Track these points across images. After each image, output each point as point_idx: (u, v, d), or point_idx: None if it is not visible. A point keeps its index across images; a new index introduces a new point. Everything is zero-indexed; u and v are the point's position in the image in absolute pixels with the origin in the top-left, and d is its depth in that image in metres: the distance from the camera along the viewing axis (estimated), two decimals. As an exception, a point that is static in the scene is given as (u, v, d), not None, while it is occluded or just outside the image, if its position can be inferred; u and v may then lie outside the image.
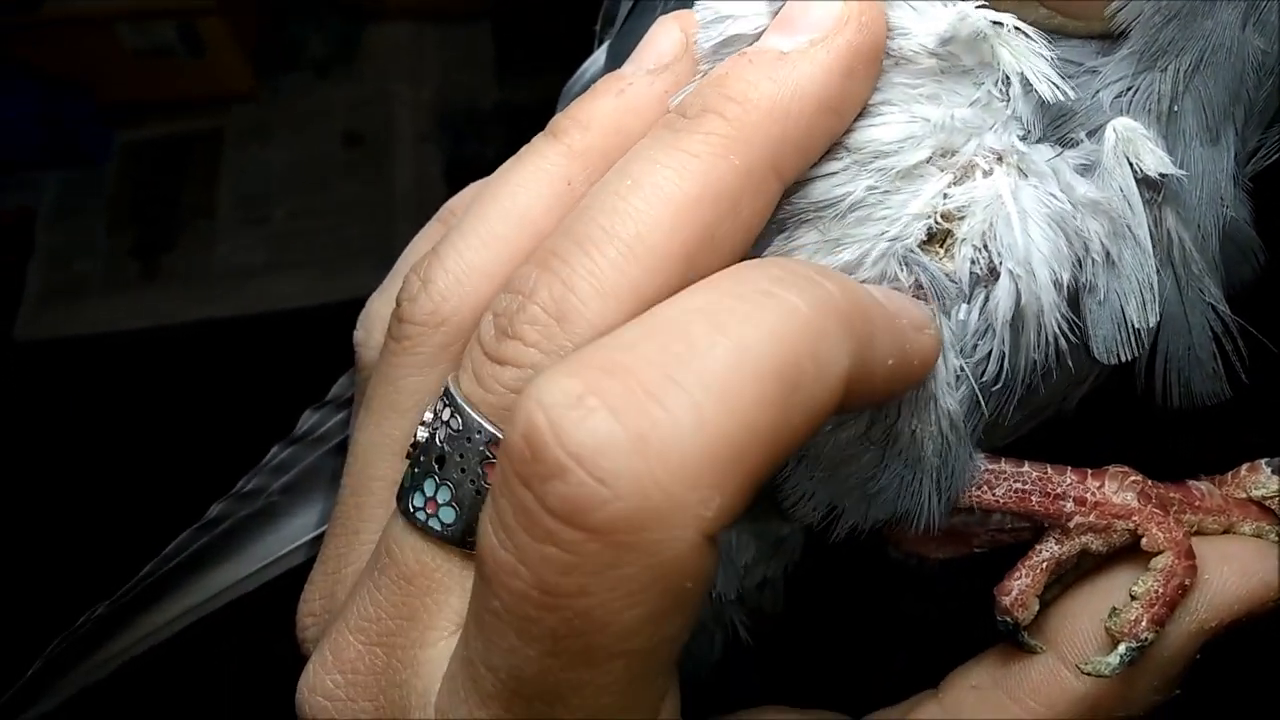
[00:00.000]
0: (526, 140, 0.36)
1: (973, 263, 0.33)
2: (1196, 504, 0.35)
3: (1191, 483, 0.36)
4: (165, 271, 1.49)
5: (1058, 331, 0.33)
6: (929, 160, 0.32)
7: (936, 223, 0.33)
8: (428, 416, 0.32)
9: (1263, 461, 0.36)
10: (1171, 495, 0.35)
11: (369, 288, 0.41)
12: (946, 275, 0.33)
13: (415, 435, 0.33)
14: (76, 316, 1.46)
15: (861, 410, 0.33)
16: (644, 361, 0.25)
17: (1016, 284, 0.32)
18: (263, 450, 0.51)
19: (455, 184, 0.41)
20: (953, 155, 0.33)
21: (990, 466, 0.36)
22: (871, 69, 0.32)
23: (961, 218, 0.33)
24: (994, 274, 0.33)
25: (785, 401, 0.25)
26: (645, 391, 0.24)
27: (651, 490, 0.24)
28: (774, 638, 0.44)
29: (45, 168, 1.54)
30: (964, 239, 0.33)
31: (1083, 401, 0.38)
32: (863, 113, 0.32)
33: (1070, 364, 0.34)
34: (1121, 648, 0.33)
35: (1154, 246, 0.33)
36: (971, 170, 0.33)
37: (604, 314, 0.29)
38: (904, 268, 0.33)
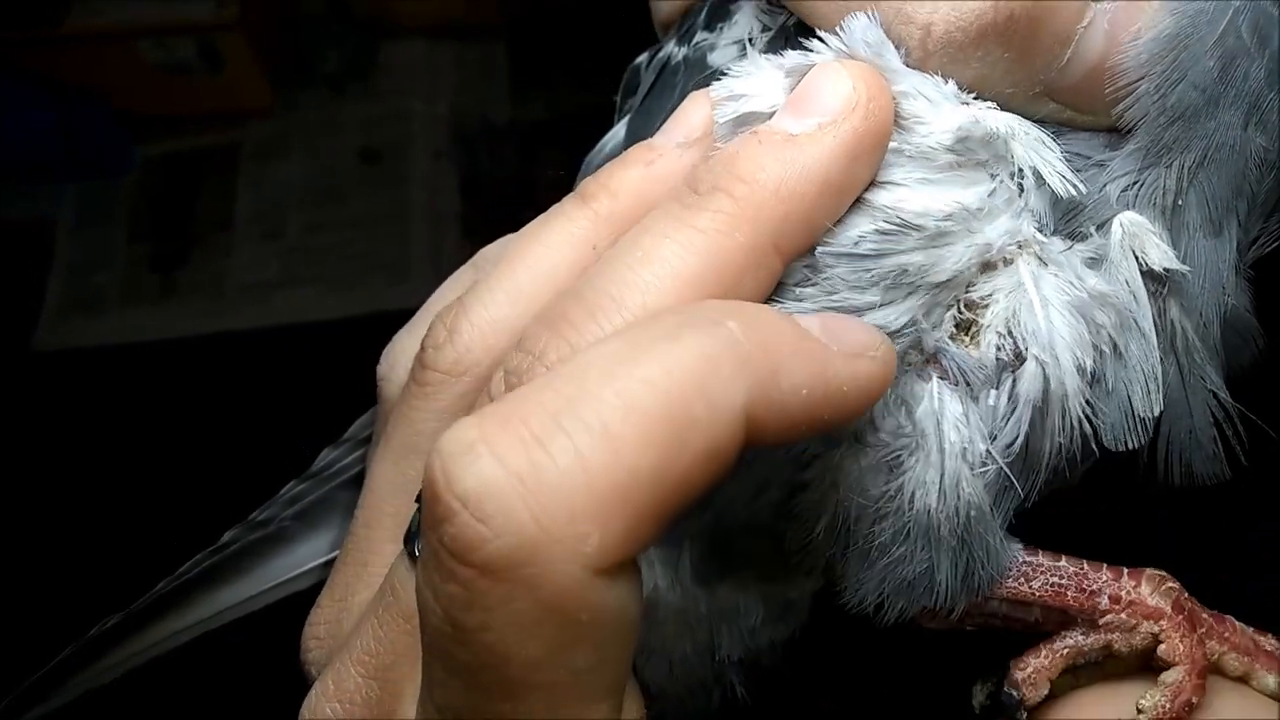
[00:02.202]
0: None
1: (998, 349, 0.34)
2: (1225, 636, 0.36)
3: (1229, 617, 0.37)
4: (182, 284, 1.50)
5: (1081, 416, 0.34)
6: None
7: (960, 311, 0.34)
8: None
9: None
10: (1204, 616, 0.36)
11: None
12: (974, 361, 0.34)
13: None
14: (94, 328, 1.47)
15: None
16: (538, 407, 0.26)
17: (1044, 369, 0.33)
18: (276, 462, 0.52)
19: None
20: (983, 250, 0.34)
21: (1028, 559, 0.36)
22: (876, 154, 0.33)
23: (986, 306, 0.34)
24: (1020, 359, 0.34)
25: (674, 442, 0.26)
26: (532, 436, 0.26)
27: (527, 527, 0.25)
28: (771, 694, 0.45)
29: (65, 180, 1.55)
30: (989, 325, 0.34)
31: (1086, 476, 0.38)
32: None
33: (1093, 447, 0.35)
34: None
35: (1158, 337, 0.34)
36: (994, 260, 0.34)
37: None
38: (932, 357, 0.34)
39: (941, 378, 0.34)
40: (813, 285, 0.33)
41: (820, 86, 0.33)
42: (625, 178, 0.36)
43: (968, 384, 0.34)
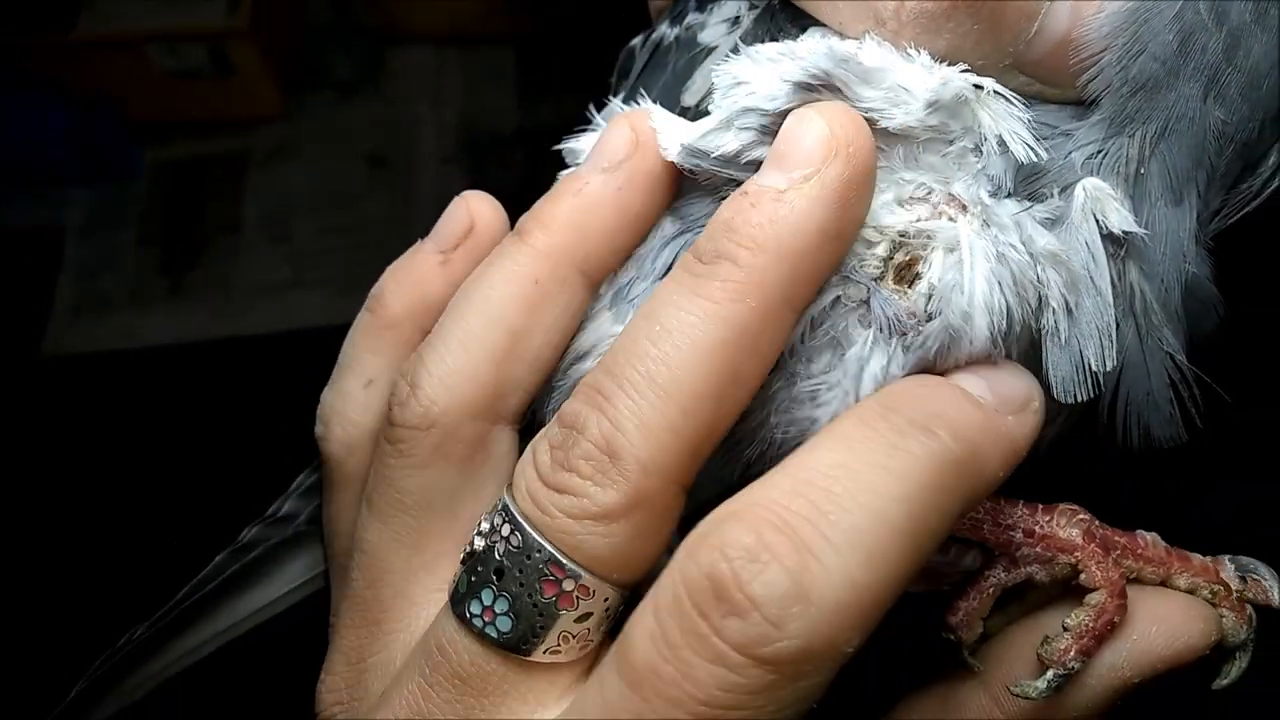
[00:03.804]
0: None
1: (928, 300, 0.35)
2: (1139, 552, 0.37)
3: (1140, 532, 0.38)
4: (191, 288, 1.51)
5: None
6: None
7: (896, 255, 0.35)
8: (484, 526, 0.34)
9: (1225, 558, 0.38)
10: (1116, 539, 0.37)
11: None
12: (905, 309, 0.35)
13: (472, 544, 0.35)
14: (104, 331, 1.48)
15: None
16: (801, 519, 0.30)
17: (950, 327, 0.34)
18: (285, 465, 0.52)
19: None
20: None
21: None
22: (864, 193, 0.33)
23: (921, 260, 0.35)
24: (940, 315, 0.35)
25: (914, 551, 0.30)
26: (806, 548, 0.29)
27: (814, 637, 0.29)
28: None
29: (75, 185, 1.57)
30: (921, 277, 0.35)
31: (1053, 443, 0.40)
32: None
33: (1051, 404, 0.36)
34: (1050, 674, 0.36)
35: (1116, 297, 0.35)
36: (938, 217, 0.35)
37: (648, 449, 0.32)
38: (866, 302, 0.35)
39: (871, 325, 0.35)
40: None
41: (798, 136, 0.33)
42: (556, 210, 0.37)
43: (901, 333, 0.35)
